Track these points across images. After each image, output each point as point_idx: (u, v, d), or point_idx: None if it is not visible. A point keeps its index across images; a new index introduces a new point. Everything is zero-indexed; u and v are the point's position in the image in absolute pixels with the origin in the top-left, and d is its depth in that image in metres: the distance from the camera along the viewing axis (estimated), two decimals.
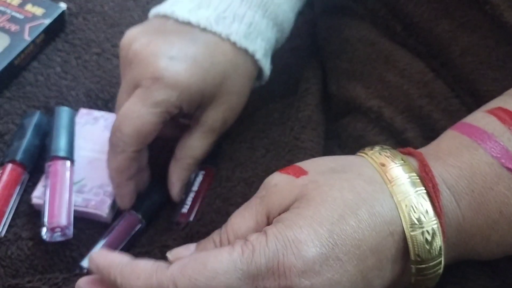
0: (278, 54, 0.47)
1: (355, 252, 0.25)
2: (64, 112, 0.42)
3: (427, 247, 0.26)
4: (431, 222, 0.26)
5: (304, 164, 0.29)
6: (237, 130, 0.41)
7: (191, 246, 0.28)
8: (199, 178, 0.38)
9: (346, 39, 0.42)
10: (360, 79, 0.39)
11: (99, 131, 0.42)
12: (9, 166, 0.39)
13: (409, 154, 0.29)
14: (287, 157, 0.38)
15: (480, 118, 0.29)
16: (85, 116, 0.43)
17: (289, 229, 0.25)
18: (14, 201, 0.39)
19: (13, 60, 0.46)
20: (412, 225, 0.26)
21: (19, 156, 0.39)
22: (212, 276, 0.24)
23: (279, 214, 0.27)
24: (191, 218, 0.37)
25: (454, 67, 0.35)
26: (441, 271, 0.27)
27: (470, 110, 0.35)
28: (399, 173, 0.27)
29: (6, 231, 0.38)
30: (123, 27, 0.50)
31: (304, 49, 0.47)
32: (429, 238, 0.26)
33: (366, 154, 0.29)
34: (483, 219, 0.27)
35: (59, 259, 0.37)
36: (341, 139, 0.39)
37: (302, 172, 0.28)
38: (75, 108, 0.44)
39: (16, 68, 0.47)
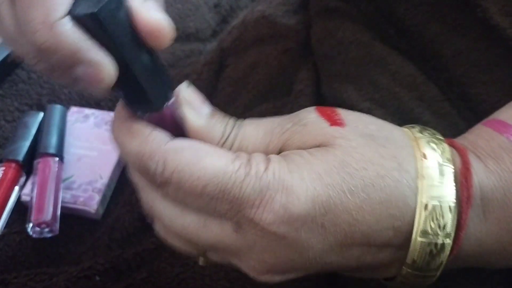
0: (272, 56, 0.48)
1: (345, 229, 0.24)
2: (56, 110, 0.43)
3: (428, 258, 0.24)
4: (444, 237, 0.24)
5: (346, 115, 0.26)
6: None
7: (206, 108, 0.26)
8: None
9: (339, 41, 0.42)
10: (352, 81, 0.39)
11: (89, 128, 0.43)
12: (12, 166, 0.40)
13: (452, 146, 0.27)
14: None
15: None
16: (75, 114, 0.44)
17: (290, 174, 0.23)
18: (12, 201, 0.39)
19: (6, 58, 0.47)
20: (424, 232, 0.24)
21: (21, 157, 0.40)
22: (198, 173, 0.23)
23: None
24: None
25: (445, 70, 0.36)
26: (432, 281, 0.26)
27: (460, 113, 0.36)
28: (436, 173, 0.25)
29: None
30: None
31: (298, 50, 0.48)
32: (434, 251, 0.24)
33: (413, 134, 0.26)
34: (510, 235, 0.25)
35: (47, 255, 0.37)
36: None
37: (338, 123, 0.26)
38: (67, 106, 0.44)
39: (9, 66, 0.47)
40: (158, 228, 0.27)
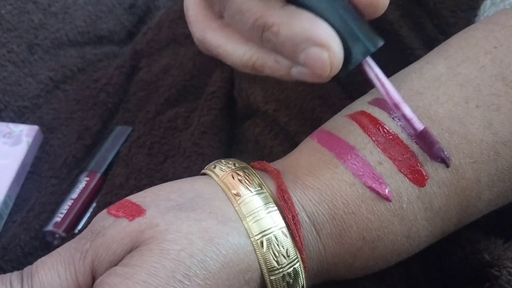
0: (188, 56, 0.48)
1: None
2: None
3: None
4: (292, 263, 0.25)
5: (143, 199, 0.25)
6: (137, 135, 0.41)
7: None
8: (81, 185, 0.38)
9: None
10: (260, 82, 0.40)
11: None
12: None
13: (265, 171, 0.27)
14: (184, 164, 0.39)
15: (341, 125, 0.28)
16: None
17: None
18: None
19: None
20: (271, 269, 0.24)
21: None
22: None
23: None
24: (77, 229, 0.37)
25: None
26: None
27: None
28: (256, 204, 0.25)
29: None
30: (21, 31, 0.49)
31: None
32: (290, 280, 0.25)
33: (218, 176, 0.26)
34: (346, 247, 0.26)
35: None
36: (242, 144, 0.40)
37: (138, 212, 0.24)
38: None
39: None
40: None
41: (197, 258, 0.23)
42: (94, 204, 0.38)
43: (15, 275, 0.24)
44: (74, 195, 0.38)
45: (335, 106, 0.36)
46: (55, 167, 0.41)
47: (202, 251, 0.23)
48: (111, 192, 0.37)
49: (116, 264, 0.23)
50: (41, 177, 0.41)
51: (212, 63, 0.47)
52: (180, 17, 0.52)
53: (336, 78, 0.37)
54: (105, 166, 0.40)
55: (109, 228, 0.24)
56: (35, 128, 0.42)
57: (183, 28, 0.51)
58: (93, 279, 0.24)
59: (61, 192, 0.39)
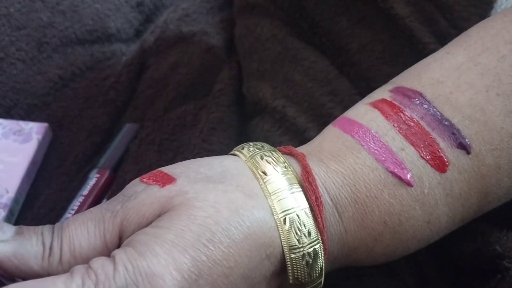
0: (195, 54, 0.48)
1: (224, 282, 0.24)
2: None
3: (307, 270, 0.25)
4: (313, 243, 0.25)
5: (174, 169, 0.27)
6: (146, 132, 0.42)
7: (8, 229, 0.24)
8: (92, 182, 0.39)
9: (257, 38, 0.43)
10: (268, 78, 0.40)
11: None
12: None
13: (291, 154, 0.28)
14: None
15: (363, 112, 0.29)
16: None
17: (143, 258, 0.23)
18: None
19: None
20: (292, 247, 0.25)
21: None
22: None
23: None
24: None
25: (354, 64, 0.37)
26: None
27: None
28: (281, 184, 0.26)
29: None
30: (30, 29, 0.49)
31: (222, 49, 0.49)
32: (310, 260, 0.25)
33: (245, 156, 0.28)
34: (367, 231, 0.27)
35: None
36: (251, 141, 0.40)
37: (168, 180, 0.25)
38: None
39: None
40: None
41: (222, 226, 0.24)
42: (104, 201, 0.38)
43: (46, 227, 0.25)
44: (85, 191, 0.38)
45: (345, 102, 0.37)
46: (65, 164, 0.41)
47: (227, 220, 0.24)
48: (121, 188, 0.37)
49: (144, 227, 0.25)
50: (52, 174, 0.41)
51: (220, 60, 0.47)
52: (187, 15, 0.53)
53: (346, 74, 0.38)
54: (114, 163, 0.41)
55: (140, 193, 0.25)
56: (44, 125, 0.43)
57: (190, 26, 0.52)
58: (120, 240, 0.25)
59: (71, 189, 0.40)
